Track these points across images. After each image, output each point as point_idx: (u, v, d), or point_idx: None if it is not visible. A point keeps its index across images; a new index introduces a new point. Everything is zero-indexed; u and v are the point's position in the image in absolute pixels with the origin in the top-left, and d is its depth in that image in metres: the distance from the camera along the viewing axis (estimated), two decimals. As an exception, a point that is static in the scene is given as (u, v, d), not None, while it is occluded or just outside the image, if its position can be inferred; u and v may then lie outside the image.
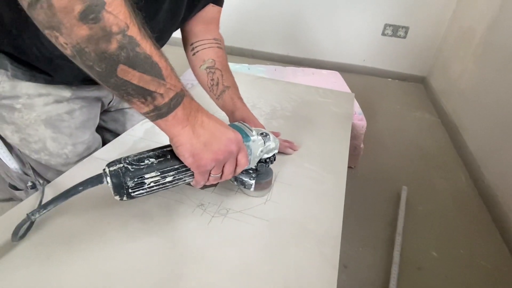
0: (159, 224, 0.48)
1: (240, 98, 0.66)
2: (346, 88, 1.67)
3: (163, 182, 0.42)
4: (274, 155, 0.54)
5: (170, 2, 0.55)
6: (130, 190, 0.40)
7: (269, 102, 0.95)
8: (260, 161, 0.53)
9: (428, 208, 1.37)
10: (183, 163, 0.42)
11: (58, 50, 0.31)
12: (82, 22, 0.28)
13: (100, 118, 0.75)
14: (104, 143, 0.72)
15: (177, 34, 0.69)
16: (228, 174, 0.46)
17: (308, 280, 0.42)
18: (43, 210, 0.40)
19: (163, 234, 0.47)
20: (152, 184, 0.41)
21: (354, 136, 1.44)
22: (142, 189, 0.41)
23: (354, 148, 1.49)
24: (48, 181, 0.55)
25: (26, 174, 0.68)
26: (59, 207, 0.41)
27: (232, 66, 1.72)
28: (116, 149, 0.66)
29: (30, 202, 0.50)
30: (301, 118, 0.87)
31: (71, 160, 0.67)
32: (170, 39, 0.67)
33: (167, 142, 0.42)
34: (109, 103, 0.77)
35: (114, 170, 0.39)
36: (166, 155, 0.42)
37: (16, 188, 0.71)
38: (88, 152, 0.68)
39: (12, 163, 0.66)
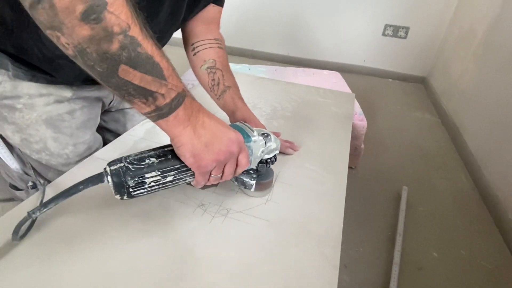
0: (159, 224, 0.48)
1: (241, 98, 0.66)
2: (346, 89, 1.67)
3: (163, 181, 0.42)
4: (275, 155, 0.54)
5: (171, 2, 0.55)
6: (130, 190, 0.40)
7: (270, 102, 0.95)
8: (261, 162, 0.53)
9: (429, 208, 1.37)
10: (183, 163, 0.42)
11: (59, 50, 0.31)
12: (84, 22, 0.28)
13: (101, 118, 0.75)
14: (105, 143, 0.72)
15: (177, 34, 0.69)
16: (228, 174, 0.46)
17: (309, 280, 0.42)
18: (43, 209, 0.40)
19: (163, 234, 0.47)
20: (152, 183, 0.41)
21: (354, 136, 1.44)
22: (143, 189, 0.41)
23: (354, 148, 1.49)
24: (49, 181, 0.55)
25: (26, 174, 0.68)
26: (60, 206, 0.42)
27: (233, 66, 1.72)
28: (117, 149, 0.66)
29: (30, 202, 0.50)
30: (302, 118, 0.87)
31: (71, 160, 0.67)
32: (171, 39, 0.67)
33: (167, 142, 0.42)
34: (110, 103, 0.77)
35: (115, 169, 0.39)
36: (167, 154, 0.42)
37: (16, 188, 0.71)
38: (89, 152, 0.68)
39: (13, 163, 0.66)
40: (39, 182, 0.54)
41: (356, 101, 1.39)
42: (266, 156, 0.53)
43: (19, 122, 0.60)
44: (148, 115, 0.37)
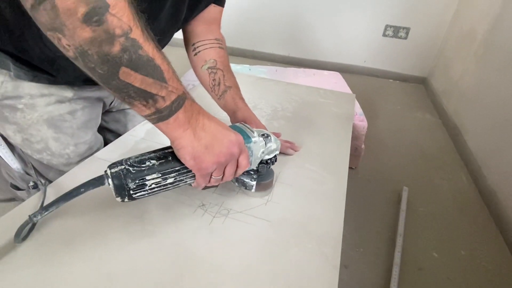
0: (160, 225, 0.48)
1: (242, 98, 0.66)
2: (347, 89, 1.67)
3: (164, 183, 0.42)
4: (275, 156, 0.54)
5: (172, 3, 0.56)
6: (131, 192, 0.40)
7: (270, 102, 0.95)
8: (261, 162, 0.53)
9: (429, 208, 1.37)
10: (184, 164, 0.42)
11: (60, 51, 0.31)
12: (86, 24, 0.28)
13: (102, 119, 0.75)
14: (106, 143, 0.72)
15: (178, 35, 0.69)
16: (229, 175, 0.46)
17: (309, 280, 0.42)
18: (44, 212, 0.40)
19: (164, 234, 0.47)
20: (153, 185, 0.41)
21: (355, 137, 1.44)
22: (143, 191, 0.41)
23: (355, 148, 1.49)
24: (50, 181, 0.55)
25: (28, 174, 0.69)
26: (61, 208, 0.42)
27: (233, 67, 1.72)
28: (118, 149, 0.67)
29: (31, 203, 0.50)
30: (302, 118, 0.87)
31: (73, 160, 0.67)
32: (171, 40, 0.67)
33: (168, 143, 0.42)
34: (111, 103, 0.77)
35: (116, 172, 0.39)
36: (167, 156, 0.42)
37: (18, 188, 0.71)
38: (90, 152, 0.68)
39: (14, 163, 0.67)
40: (40, 182, 0.54)
41: (356, 102, 1.39)
42: (267, 157, 0.53)
43: (21, 122, 0.60)
44: (148, 117, 0.37)
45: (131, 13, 0.30)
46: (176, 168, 0.42)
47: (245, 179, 0.53)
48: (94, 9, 0.28)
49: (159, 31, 0.58)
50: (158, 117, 0.37)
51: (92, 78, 0.33)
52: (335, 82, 1.77)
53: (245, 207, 0.54)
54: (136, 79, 0.33)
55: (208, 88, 0.69)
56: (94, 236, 0.45)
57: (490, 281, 1.07)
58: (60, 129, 0.64)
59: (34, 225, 0.45)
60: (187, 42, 0.71)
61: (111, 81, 0.32)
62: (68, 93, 0.63)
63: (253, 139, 0.49)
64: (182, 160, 0.41)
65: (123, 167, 0.40)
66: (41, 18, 0.28)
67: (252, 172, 0.53)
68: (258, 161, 0.52)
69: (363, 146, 1.50)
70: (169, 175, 0.42)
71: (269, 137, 0.52)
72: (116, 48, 0.30)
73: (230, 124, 0.59)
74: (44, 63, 0.56)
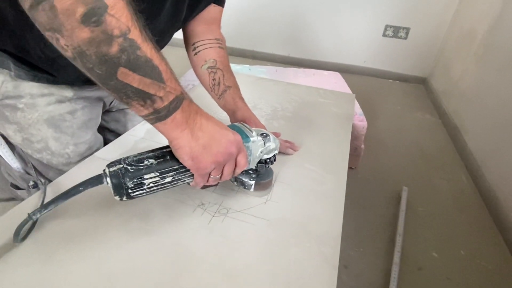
0: (159, 224, 0.49)
1: (242, 98, 0.66)
2: (346, 89, 1.67)
3: (162, 182, 0.42)
4: (274, 155, 0.55)
5: (171, 3, 0.56)
6: (129, 191, 0.40)
7: (270, 102, 0.95)
8: (260, 162, 0.53)
9: (429, 208, 1.37)
10: (182, 164, 0.42)
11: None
12: (84, 25, 0.28)
13: (102, 118, 0.75)
14: (106, 143, 0.72)
15: (178, 35, 0.69)
16: (227, 175, 0.46)
17: (308, 280, 0.42)
18: (44, 210, 0.41)
19: (163, 233, 0.47)
20: (151, 184, 0.41)
21: (354, 137, 1.44)
22: (142, 190, 0.41)
23: (354, 148, 1.49)
24: (50, 181, 0.56)
25: (28, 173, 0.69)
26: (60, 207, 0.42)
27: (233, 67, 1.71)
28: (117, 149, 0.67)
29: (31, 202, 0.50)
30: (302, 118, 0.87)
31: (72, 159, 0.67)
32: (171, 40, 0.67)
33: (167, 142, 0.42)
34: (111, 103, 0.77)
35: (114, 170, 0.40)
36: (165, 156, 0.42)
37: (18, 188, 0.71)
38: (90, 152, 0.69)
39: (14, 163, 0.67)
40: (40, 181, 0.54)
41: (356, 102, 1.39)
42: (265, 156, 0.53)
43: (21, 121, 0.61)
44: (146, 117, 0.37)
45: (129, 13, 0.30)
46: (175, 167, 0.42)
47: (244, 179, 0.53)
48: (92, 10, 0.28)
49: (158, 31, 0.58)
50: (156, 117, 0.37)
51: (91, 78, 0.33)
52: (335, 82, 1.77)
53: (244, 206, 0.54)
54: (134, 80, 0.33)
55: (208, 88, 0.69)
56: (93, 235, 0.45)
57: (490, 281, 1.07)
58: (60, 128, 0.64)
59: (34, 224, 0.45)
60: (187, 42, 0.72)
61: (109, 82, 0.32)
62: (68, 93, 0.63)
63: (251, 139, 0.49)
64: (180, 160, 0.41)
65: (121, 166, 0.40)
66: (40, 18, 0.29)
67: (251, 172, 0.54)
68: (257, 160, 0.52)
69: (362, 146, 1.50)
70: (167, 174, 0.42)
71: (268, 137, 0.52)
72: (114, 49, 0.30)
73: (230, 123, 0.59)
74: (45, 63, 0.56)
